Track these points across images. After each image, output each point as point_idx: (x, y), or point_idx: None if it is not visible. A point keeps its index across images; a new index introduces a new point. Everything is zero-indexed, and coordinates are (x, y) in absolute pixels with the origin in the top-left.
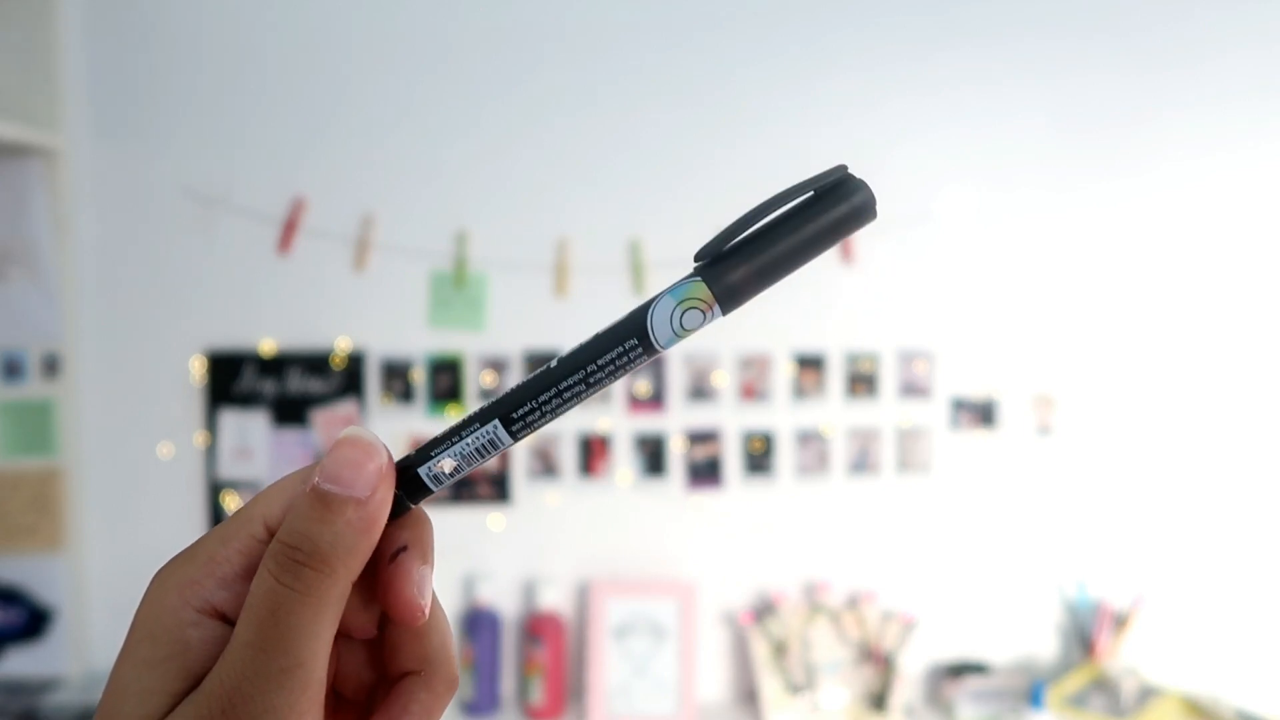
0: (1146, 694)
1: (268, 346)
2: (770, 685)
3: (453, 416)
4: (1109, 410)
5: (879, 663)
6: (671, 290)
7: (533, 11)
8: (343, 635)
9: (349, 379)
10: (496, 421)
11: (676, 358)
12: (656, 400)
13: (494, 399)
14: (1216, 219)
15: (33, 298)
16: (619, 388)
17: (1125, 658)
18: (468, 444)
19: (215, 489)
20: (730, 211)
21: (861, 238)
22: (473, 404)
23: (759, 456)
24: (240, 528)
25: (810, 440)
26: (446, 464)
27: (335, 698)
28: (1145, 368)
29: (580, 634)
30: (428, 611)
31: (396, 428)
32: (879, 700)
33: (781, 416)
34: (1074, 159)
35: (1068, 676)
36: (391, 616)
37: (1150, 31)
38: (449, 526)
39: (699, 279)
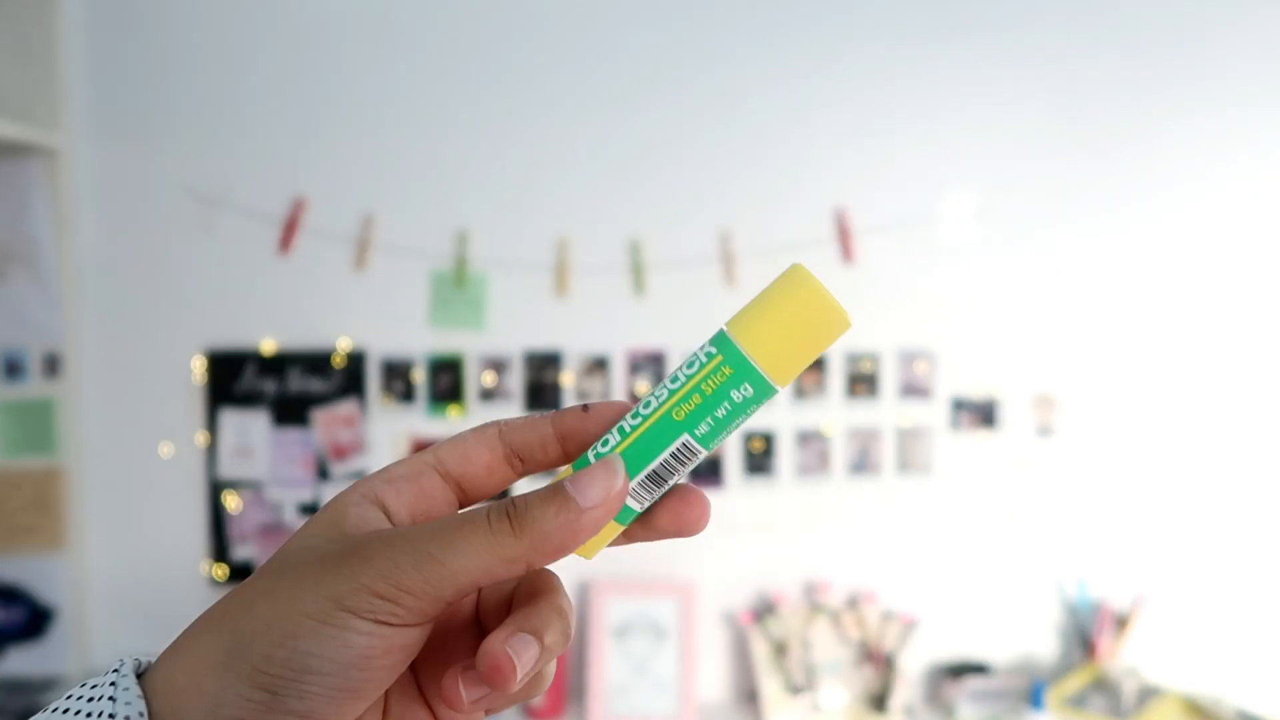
0: (1147, 694)
1: (268, 346)
2: (770, 685)
3: (454, 417)
4: (1110, 410)
5: (879, 663)
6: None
7: (533, 12)
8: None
9: (349, 379)
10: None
11: (676, 357)
12: None
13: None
14: (1217, 220)
15: (33, 297)
16: (619, 389)
17: (1126, 658)
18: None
19: (216, 488)
20: (729, 211)
21: (861, 238)
22: (473, 403)
23: (759, 456)
24: (417, 455)
25: (810, 440)
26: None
27: None
28: (1146, 368)
29: (580, 634)
30: (517, 677)
31: (397, 427)
32: (879, 701)
33: (781, 416)
34: (1075, 160)
35: (1068, 677)
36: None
37: (1152, 34)
38: None
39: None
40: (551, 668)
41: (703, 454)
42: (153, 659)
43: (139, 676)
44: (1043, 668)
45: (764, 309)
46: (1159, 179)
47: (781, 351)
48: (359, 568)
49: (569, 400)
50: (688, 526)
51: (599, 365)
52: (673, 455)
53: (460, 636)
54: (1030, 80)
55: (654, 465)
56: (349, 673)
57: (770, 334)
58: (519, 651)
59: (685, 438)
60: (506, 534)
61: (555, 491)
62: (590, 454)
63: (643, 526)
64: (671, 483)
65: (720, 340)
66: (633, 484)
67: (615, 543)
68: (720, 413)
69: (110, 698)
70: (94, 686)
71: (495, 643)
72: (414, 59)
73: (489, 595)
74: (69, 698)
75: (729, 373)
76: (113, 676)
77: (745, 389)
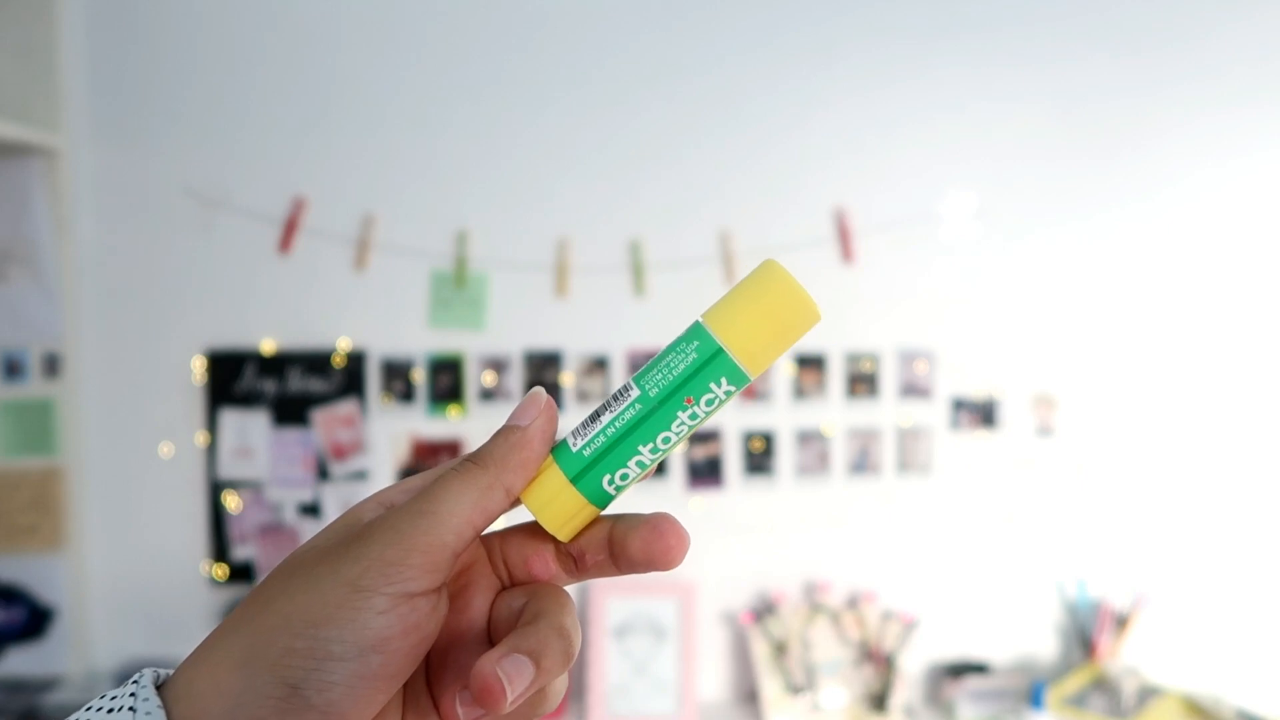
0: (1147, 694)
1: (268, 346)
2: (770, 685)
3: (454, 417)
4: (1110, 410)
5: (879, 663)
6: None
7: (533, 12)
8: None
9: (349, 379)
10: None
11: None
12: None
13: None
14: (1217, 220)
15: (33, 297)
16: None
17: (1126, 658)
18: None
19: (216, 489)
20: (729, 211)
21: (862, 238)
22: (473, 404)
23: (759, 456)
24: (433, 469)
25: (810, 440)
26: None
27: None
28: (1145, 368)
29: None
30: (508, 699)
31: (397, 427)
32: (879, 700)
33: (781, 416)
34: (1074, 160)
35: (1068, 677)
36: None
37: (1152, 34)
38: None
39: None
40: (558, 686)
41: (635, 391)
42: (171, 670)
43: (159, 687)
44: (1043, 668)
45: (738, 301)
46: (1159, 179)
47: (754, 342)
48: (365, 548)
49: (569, 401)
50: (659, 558)
51: (599, 365)
52: (612, 395)
53: (472, 653)
54: (1030, 80)
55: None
56: (369, 657)
57: (743, 325)
58: (510, 674)
59: (627, 380)
60: (473, 469)
61: (500, 428)
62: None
63: (620, 558)
64: (609, 420)
65: (695, 331)
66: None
67: (592, 574)
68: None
69: (130, 708)
70: (113, 698)
71: (486, 663)
72: (414, 59)
73: (500, 613)
74: (88, 709)
75: (698, 356)
76: (132, 688)
77: (693, 348)
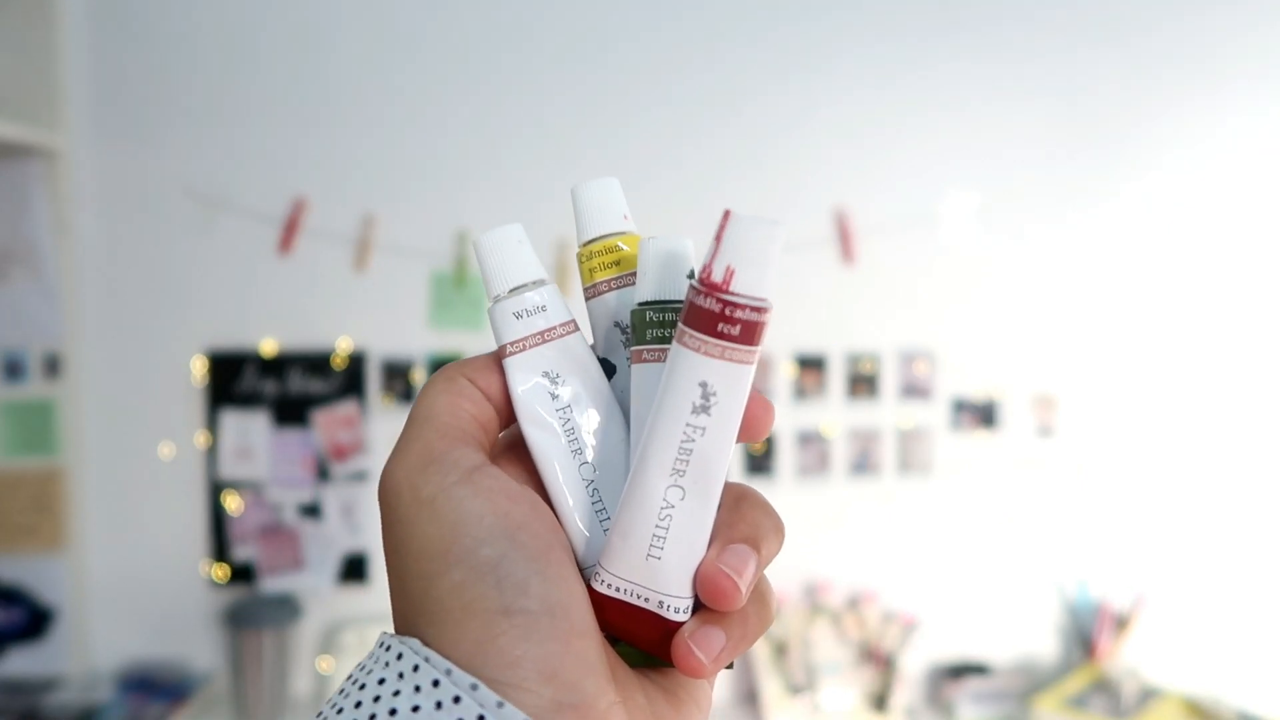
0: (1147, 695)
1: (268, 346)
2: (770, 686)
3: None
4: (1110, 410)
5: (879, 663)
6: None
7: (532, 13)
8: None
9: (350, 379)
10: None
11: None
12: None
13: None
14: (1219, 220)
15: (33, 298)
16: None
17: (1126, 658)
18: None
19: (216, 489)
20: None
21: (861, 238)
22: None
23: (759, 457)
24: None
25: (811, 441)
26: None
27: None
28: (1146, 368)
29: None
30: (740, 592)
31: (397, 428)
32: (880, 701)
33: (782, 417)
34: (1075, 159)
35: (1068, 677)
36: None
37: (1154, 33)
38: None
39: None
40: (773, 594)
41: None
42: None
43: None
44: (1043, 668)
45: None
46: (1160, 178)
47: None
48: (400, 459)
49: None
50: (750, 428)
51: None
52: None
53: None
54: (1031, 80)
55: None
56: (515, 536)
57: None
58: (736, 566)
59: None
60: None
61: None
62: None
63: None
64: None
65: None
66: None
67: None
68: None
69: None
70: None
71: (708, 565)
72: (414, 59)
73: None
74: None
75: None
76: (441, 694)
77: None
